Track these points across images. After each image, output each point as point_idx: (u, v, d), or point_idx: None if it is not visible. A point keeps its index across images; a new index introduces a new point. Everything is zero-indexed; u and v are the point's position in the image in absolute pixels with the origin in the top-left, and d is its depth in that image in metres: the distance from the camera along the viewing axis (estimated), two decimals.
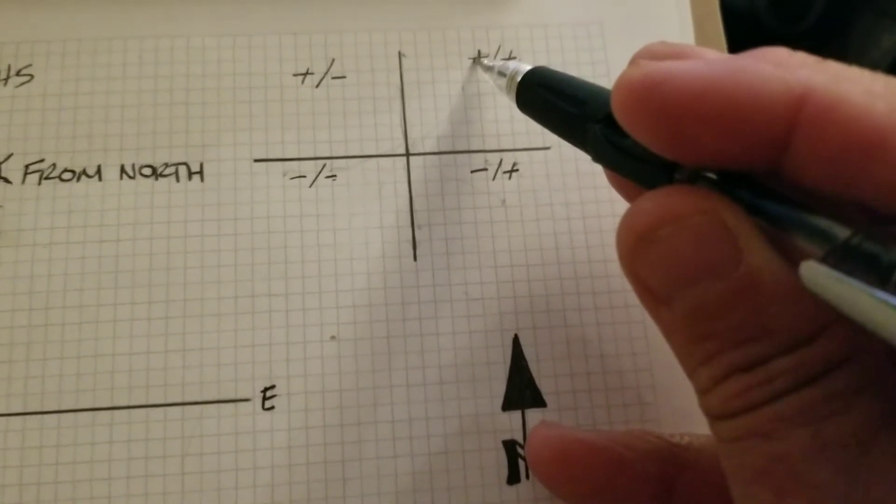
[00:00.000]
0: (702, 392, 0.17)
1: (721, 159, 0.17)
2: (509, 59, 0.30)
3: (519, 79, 0.25)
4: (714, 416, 0.17)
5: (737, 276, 0.16)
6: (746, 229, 0.16)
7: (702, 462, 0.23)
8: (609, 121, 0.20)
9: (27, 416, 0.25)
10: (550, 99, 0.24)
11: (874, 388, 0.16)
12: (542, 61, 0.30)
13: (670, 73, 0.17)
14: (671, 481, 0.23)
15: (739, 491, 0.17)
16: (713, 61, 0.17)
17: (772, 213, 0.16)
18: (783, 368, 0.16)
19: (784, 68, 0.16)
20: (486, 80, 0.29)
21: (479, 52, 0.30)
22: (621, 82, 0.18)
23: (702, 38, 0.31)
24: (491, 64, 0.28)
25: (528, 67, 0.26)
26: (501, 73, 0.27)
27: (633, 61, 0.19)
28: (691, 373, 0.18)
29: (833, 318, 0.16)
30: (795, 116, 0.16)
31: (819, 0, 0.67)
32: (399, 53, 0.30)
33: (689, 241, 0.17)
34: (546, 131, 0.29)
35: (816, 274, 0.15)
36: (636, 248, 0.18)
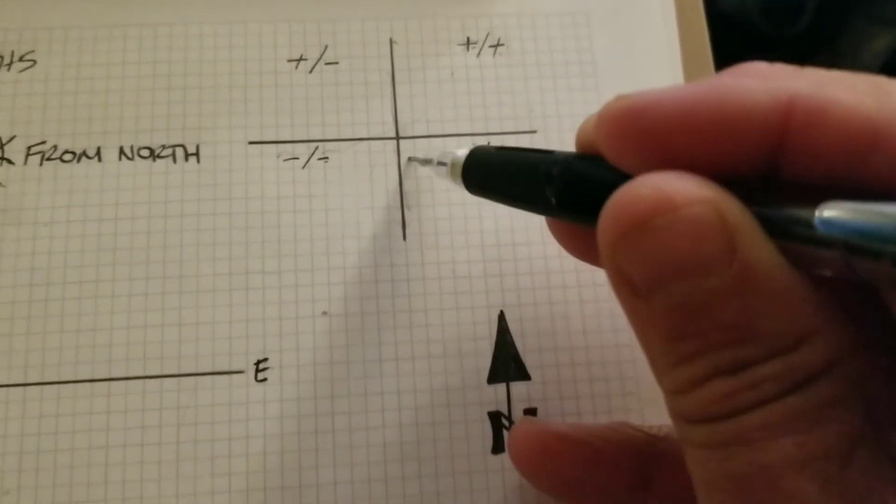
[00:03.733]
0: (675, 393, 0.17)
1: (713, 175, 0.17)
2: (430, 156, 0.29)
3: (463, 159, 0.25)
4: (688, 420, 0.17)
5: (730, 272, 0.15)
6: (744, 222, 0.15)
7: (678, 453, 0.23)
8: (571, 165, 0.20)
9: (27, 387, 0.26)
10: (506, 161, 0.23)
11: (857, 397, 0.15)
12: (530, 49, 0.31)
13: (654, 97, 0.17)
14: (648, 472, 0.23)
15: (712, 500, 0.16)
16: (694, 84, 0.17)
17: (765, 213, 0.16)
18: (771, 373, 0.15)
19: (766, 79, 0.16)
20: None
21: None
22: (607, 112, 0.17)
23: (685, 28, 0.32)
24: (428, 157, 0.28)
25: (462, 150, 0.25)
26: (441, 163, 0.26)
27: (614, 99, 0.19)
28: (664, 371, 0.17)
29: (820, 323, 0.15)
30: (785, 123, 0.16)
31: (810, 5, 0.68)
32: (390, 41, 0.31)
33: (684, 232, 0.15)
34: (533, 114, 0.30)
35: (839, 211, 0.14)
36: (626, 236, 0.16)
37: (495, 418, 0.27)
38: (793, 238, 0.15)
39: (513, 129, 0.30)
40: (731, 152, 0.16)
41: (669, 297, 0.16)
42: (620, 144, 0.17)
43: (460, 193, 0.29)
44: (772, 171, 0.17)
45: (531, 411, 0.27)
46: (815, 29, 0.68)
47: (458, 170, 0.25)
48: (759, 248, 0.15)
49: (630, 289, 0.17)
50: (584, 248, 0.24)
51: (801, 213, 0.15)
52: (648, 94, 0.17)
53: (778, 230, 0.15)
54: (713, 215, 0.15)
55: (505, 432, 0.26)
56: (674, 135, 0.16)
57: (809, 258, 0.15)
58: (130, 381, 0.26)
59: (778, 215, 0.15)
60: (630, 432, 0.24)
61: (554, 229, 0.25)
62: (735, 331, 0.15)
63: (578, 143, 0.21)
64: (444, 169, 0.26)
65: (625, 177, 0.17)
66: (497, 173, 0.23)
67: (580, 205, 0.19)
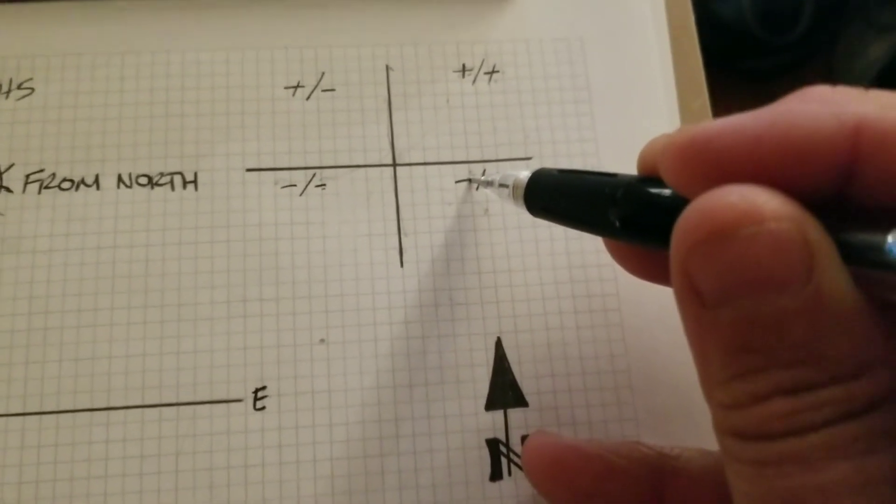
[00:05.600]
0: (730, 407, 0.17)
1: None
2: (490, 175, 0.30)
3: (525, 181, 0.25)
4: (740, 436, 0.17)
5: (804, 293, 0.15)
6: (823, 245, 0.16)
7: (692, 472, 0.24)
8: (635, 188, 0.20)
9: (26, 417, 0.26)
10: (569, 184, 0.23)
11: None
12: (525, 76, 0.31)
13: (718, 128, 0.17)
14: (661, 489, 0.24)
15: None
16: (759, 111, 0.17)
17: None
18: (832, 398, 0.15)
19: (831, 104, 0.17)
20: (473, 94, 0.31)
21: (469, 171, 0.30)
22: (671, 144, 0.18)
23: (678, 53, 0.32)
24: (489, 179, 0.28)
25: (525, 172, 0.26)
26: (503, 185, 0.27)
27: (677, 130, 0.19)
28: (719, 384, 0.17)
29: (883, 354, 0.16)
30: (854, 148, 0.16)
31: (806, 11, 0.69)
32: (386, 67, 0.31)
33: (768, 246, 0.15)
34: (528, 140, 0.30)
35: None
36: (705, 242, 0.16)
37: (493, 445, 0.27)
38: (862, 263, 0.15)
39: (508, 156, 0.30)
40: (800, 178, 0.16)
41: (739, 310, 0.16)
42: (686, 175, 0.18)
43: (456, 220, 0.29)
44: (841, 196, 0.17)
45: None
46: (812, 35, 0.69)
47: (521, 192, 0.26)
48: (835, 273, 0.15)
49: (696, 296, 0.17)
50: (644, 268, 0.25)
51: (871, 238, 0.15)
52: (713, 124, 0.17)
53: (848, 255, 0.16)
54: (797, 233, 0.15)
55: (503, 459, 0.27)
56: (741, 163, 0.17)
57: (879, 284, 0.15)
58: (129, 410, 0.26)
59: (848, 240, 0.16)
60: (643, 450, 0.24)
61: (613, 250, 0.25)
62: (801, 351, 0.15)
63: (641, 164, 0.21)
64: (506, 191, 0.26)
65: (688, 202, 0.17)
66: (560, 196, 0.24)
67: (643, 227, 0.20)
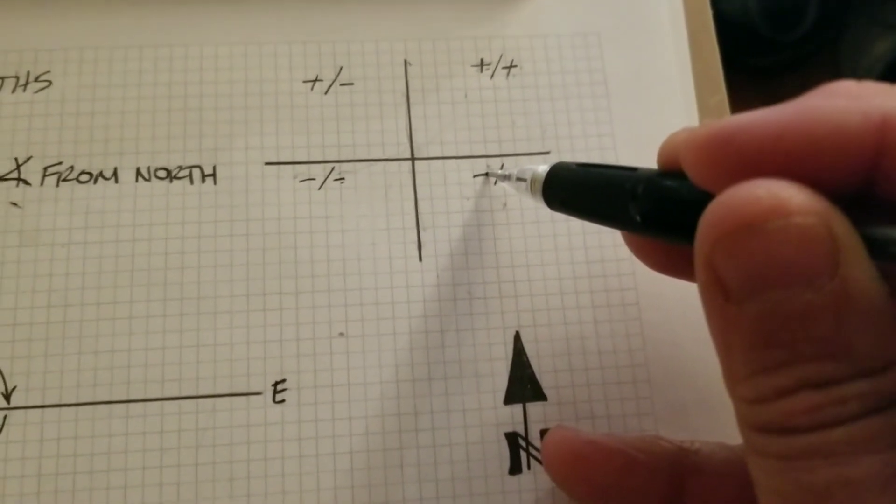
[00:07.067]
0: (756, 401, 0.17)
1: None
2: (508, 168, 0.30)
3: (544, 175, 0.25)
4: (765, 430, 0.17)
5: (830, 287, 0.15)
6: (850, 239, 0.16)
7: (712, 467, 0.24)
8: (656, 183, 0.20)
9: (46, 409, 0.26)
10: (588, 178, 0.23)
11: None
12: (543, 70, 0.31)
13: (742, 122, 0.17)
14: (681, 484, 0.24)
15: None
16: (783, 106, 0.17)
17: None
18: (857, 392, 0.15)
19: (857, 99, 0.17)
20: (490, 87, 0.31)
21: (487, 165, 0.30)
22: (694, 138, 0.18)
23: (696, 49, 0.32)
24: (506, 173, 0.28)
25: (543, 166, 0.26)
26: (520, 179, 0.27)
27: (700, 125, 0.19)
28: (743, 379, 0.17)
29: None
30: (880, 143, 0.16)
31: (811, 8, 0.69)
32: (405, 62, 0.31)
33: (794, 240, 0.15)
34: (546, 134, 0.30)
35: None
36: (731, 235, 0.16)
37: (512, 439, 0.27)
38: (888, 258, 0.16)
39: (526, 151, 0.30)
40: (825, 173, 0.16)
41: (764, 304, 0.16)
42: (710, 169, 0.18)
43: (475, 215, 0.29)
44: (867, 191, 0.17)
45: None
46: (817, 32, 0.69)
47: (539, 186, 0.25)
48: (861, 267, 0.16)
49: (721, 290, 0.17)
50: (663, 262, 0.25)
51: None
52: (737, 118, 0.17)
53: (874, 250, 0.16)
54: (823, 228, 0.15)
55: (522, 453, 0.27)
56: (764, 158, 0.17)
57: None
58: (149, 403, 0.27)
59: (874, 235, 0.16)
60: (662, 444, 0.24)
61: (631, 244, 0.25)
62: (826, 345, 0.16)
63: (662, 159, 0.21)
64: (524, 185, 0.26)
65: (711, 196, 0.17)
66: (579, 191, 0.24)
67: (665, 222, 0.20)
